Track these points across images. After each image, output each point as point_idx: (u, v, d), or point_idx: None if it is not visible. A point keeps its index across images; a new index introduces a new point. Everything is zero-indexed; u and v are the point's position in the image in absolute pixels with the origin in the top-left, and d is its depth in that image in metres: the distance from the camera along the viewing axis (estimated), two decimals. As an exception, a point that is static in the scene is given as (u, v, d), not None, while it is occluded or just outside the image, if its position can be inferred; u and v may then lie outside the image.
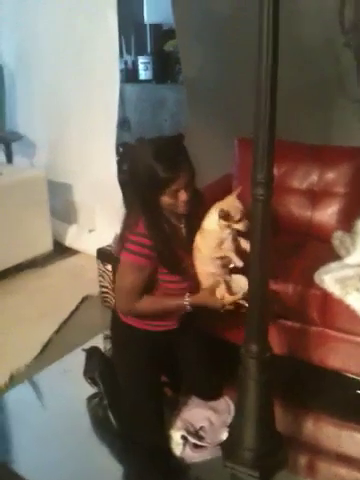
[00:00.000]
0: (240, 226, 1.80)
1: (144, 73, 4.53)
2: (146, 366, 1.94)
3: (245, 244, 1.83)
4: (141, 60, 4.51)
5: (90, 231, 3.66)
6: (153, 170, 1.69)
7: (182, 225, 1.89)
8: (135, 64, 4.58)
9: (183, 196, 1.75)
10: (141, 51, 4.56)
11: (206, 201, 1.95)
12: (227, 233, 1.82)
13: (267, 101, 1.38)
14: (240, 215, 1.78)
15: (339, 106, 2.71)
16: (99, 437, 2.03)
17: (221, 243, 1.83)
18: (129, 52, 4.58)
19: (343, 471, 1.84)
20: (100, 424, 2.04)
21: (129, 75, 4.64)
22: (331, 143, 2.65)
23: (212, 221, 1.82)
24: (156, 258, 1.79)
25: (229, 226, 1.80)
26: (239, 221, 1.79)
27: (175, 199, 1.75)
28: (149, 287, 1.84)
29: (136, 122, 4.62)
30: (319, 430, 2.02)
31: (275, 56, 1.34)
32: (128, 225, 1.81)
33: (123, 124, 4.53)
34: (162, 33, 4.51)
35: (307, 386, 2.14)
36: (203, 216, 1.88)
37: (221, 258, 1.85)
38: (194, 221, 1.88)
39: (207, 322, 2.05)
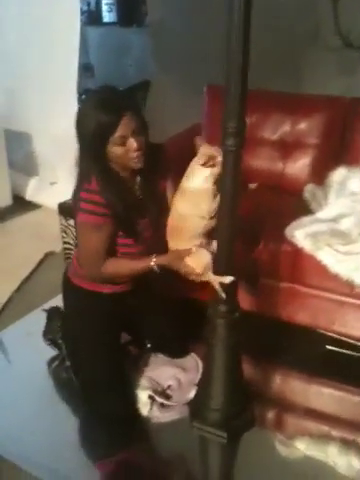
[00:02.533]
0: None
1: (108, 15, 4.23)
2: (101, 328, 1.86)
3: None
4: (105, 1, 4.21)
5: (52, 184, 3.49)
6: (94, 117, 1.57)
7: (137, 186, 1.76)
8: (98, 5, 4.27)
9: (133, 144, 1.60)
10: (104, -9, 4.26)
11: (169, 159, 1.82)
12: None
13: (239, 44, 1.24)
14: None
15: (313, 54, 2.59)
16: (63, 400, 1.97)
17: (214, 198, 1.57)
18: (92, -8, 4.28)
19: (312, 426, 1.84)
20: (63, 386, 1.98)
21: (92, 17, 4.33)
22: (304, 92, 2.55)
23: (199, 178, 1.59)
24: (111, 217, 1.68)
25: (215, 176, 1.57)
26: None
27: (125, 149, 1.61)
28: (110, 251, 1.74)
29: (100, 68, 4.35)
30: (289, 386, 2.01)
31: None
32: (80, 183, 1.69)
33: (86, 70, 4.26)
34: (126, -28, 4.20)
35: (276, 342, 2.11)
36: (161, 177, 1.76)
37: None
38: (150, 183, 1.76)
39: (170, 280, 1.96)
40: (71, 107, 3.10)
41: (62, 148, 3.29)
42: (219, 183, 1.51)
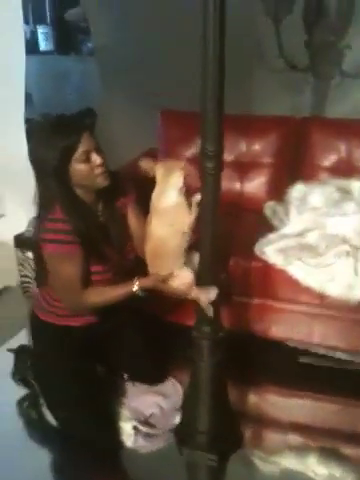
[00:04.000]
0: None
1: (44, 43, 4.24)
2: (75, 362, 1.81)
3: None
4: (40, 30, 4.21)
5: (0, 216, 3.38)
6: (53, 143, 1.58)
7: (99, 212, 1.76)
8: (34, 34, 4.26)
9: (97, 159, 1.62)
10: (40, 20, 4.25)
11: (127, 185, 1.84)
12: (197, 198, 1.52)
13: (216, 68, 1.28)
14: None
15: (258, 76, 2.69)
16: (37, 441, 1.88)
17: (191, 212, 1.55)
18: (27, 21, 4.24)
19: (296, 439, 1.85)
20: (35, 427, 1.91)
21: (28, 46, 4.29)
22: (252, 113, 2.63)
23: (172, 193, 1.55)
24: (80, 243, 1.65)
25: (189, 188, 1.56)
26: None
27: (89, 165, 1.62)
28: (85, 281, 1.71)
29: (39, 96, 4.31)
30: (269, 401, 2.03)
31: (222, 21, 1.24)
32: (43, 213, 1.66)
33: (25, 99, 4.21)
34: (61, 1, 4.23)
35: (252, 359, 2.12)
36: (121, 203, 1.79)
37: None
38: (112, 208, 1.77)
39: (143, 302, 1.94)
40: (17, 138, 3.04)
41: (9, 179, 3.21)
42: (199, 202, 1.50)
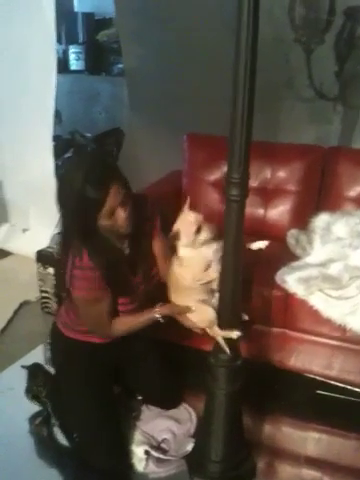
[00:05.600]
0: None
1: (76, 63, 4.30)
2: (94, 379, 1.82)
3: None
4: (72, 50, 4.28)
5: (24, 231, 3.42)
6: (81, 193, 1.52)
7: (126, 245, 1.77)
8: (66, 54, 4.33)
9: (121, 215, 1.60)
10: (72, 40, 4.32)
11: (154, 208, 1.85)
12: (213, 251, 1.60)
13: (245, 97, 1.28)
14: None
15: (288, 105, 2.70)
16: (47, 460, 1.87)
17: (209, 266, 1.62)
18: (59, 41, 4.31)
19: (310, 474, 1.81)
20: (45, 444, 1.90)
21: (59, 65, 4.37)
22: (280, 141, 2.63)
23: (181, 249, 1.61)
24: (107, 285, 1.69)
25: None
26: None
27: (114, 220, 1.60)
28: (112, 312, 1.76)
29: (68, 115, 4.38)
30: (283, 433, 1.99)
31: (254, 51, 1.25)
32: (71, 258, 1.65)
33: (54, 116, 4.29)
34: (94, 22, 4.30)
35: (269, 389, 2.09)
36: (148, 228, 1.80)
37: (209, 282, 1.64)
38: (138, 237, 1.77)
39: (159, 327, 1.93)
40: (45, 154, 3.09)
41: (34, 195, 3.26)
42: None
